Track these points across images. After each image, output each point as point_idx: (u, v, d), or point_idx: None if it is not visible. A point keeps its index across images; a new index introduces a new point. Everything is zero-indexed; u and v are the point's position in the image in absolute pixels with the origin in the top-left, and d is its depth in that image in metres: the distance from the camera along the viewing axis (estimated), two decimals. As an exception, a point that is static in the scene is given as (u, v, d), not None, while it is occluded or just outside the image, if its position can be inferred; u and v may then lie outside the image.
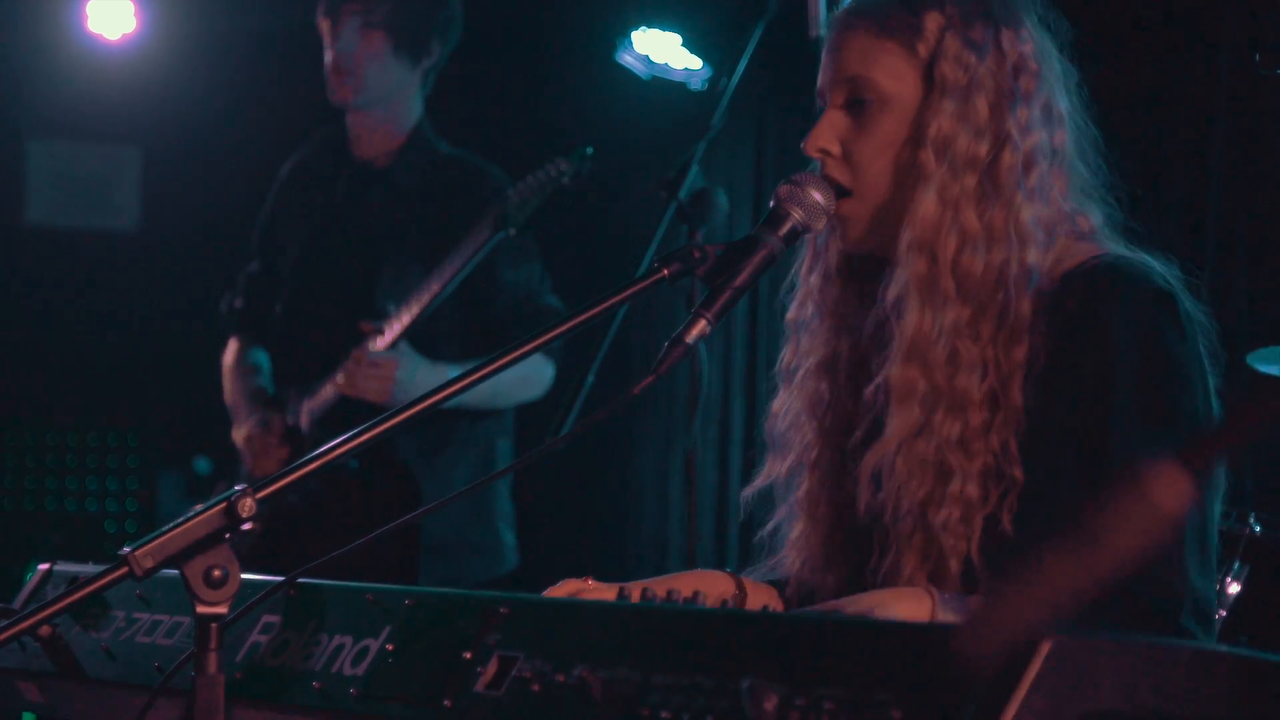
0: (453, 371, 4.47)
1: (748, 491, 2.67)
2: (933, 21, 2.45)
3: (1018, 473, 2.35)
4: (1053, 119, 2.46)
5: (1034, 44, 2.47)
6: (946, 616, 2.27)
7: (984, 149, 2.41)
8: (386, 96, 4.66)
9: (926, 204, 2.40)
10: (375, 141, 4.73)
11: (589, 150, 4.36)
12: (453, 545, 4.65)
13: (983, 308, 2.39)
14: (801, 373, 2.60)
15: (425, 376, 4.41)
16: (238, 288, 4.99)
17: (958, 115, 2.41)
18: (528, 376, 4.60)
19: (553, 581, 2.49)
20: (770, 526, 2.66)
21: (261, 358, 4.84)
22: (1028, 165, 2.42)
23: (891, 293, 2.43)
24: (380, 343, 4.40)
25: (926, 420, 2.38)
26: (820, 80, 2.53)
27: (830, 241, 2.57)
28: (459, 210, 4.54)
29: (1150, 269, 2.39)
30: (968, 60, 2.42)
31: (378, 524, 2.26)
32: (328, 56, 4.66)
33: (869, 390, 2.51)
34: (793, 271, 2.64)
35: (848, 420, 2.57)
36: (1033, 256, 2.39)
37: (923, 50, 2.44)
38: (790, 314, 2.64)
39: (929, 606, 2.28)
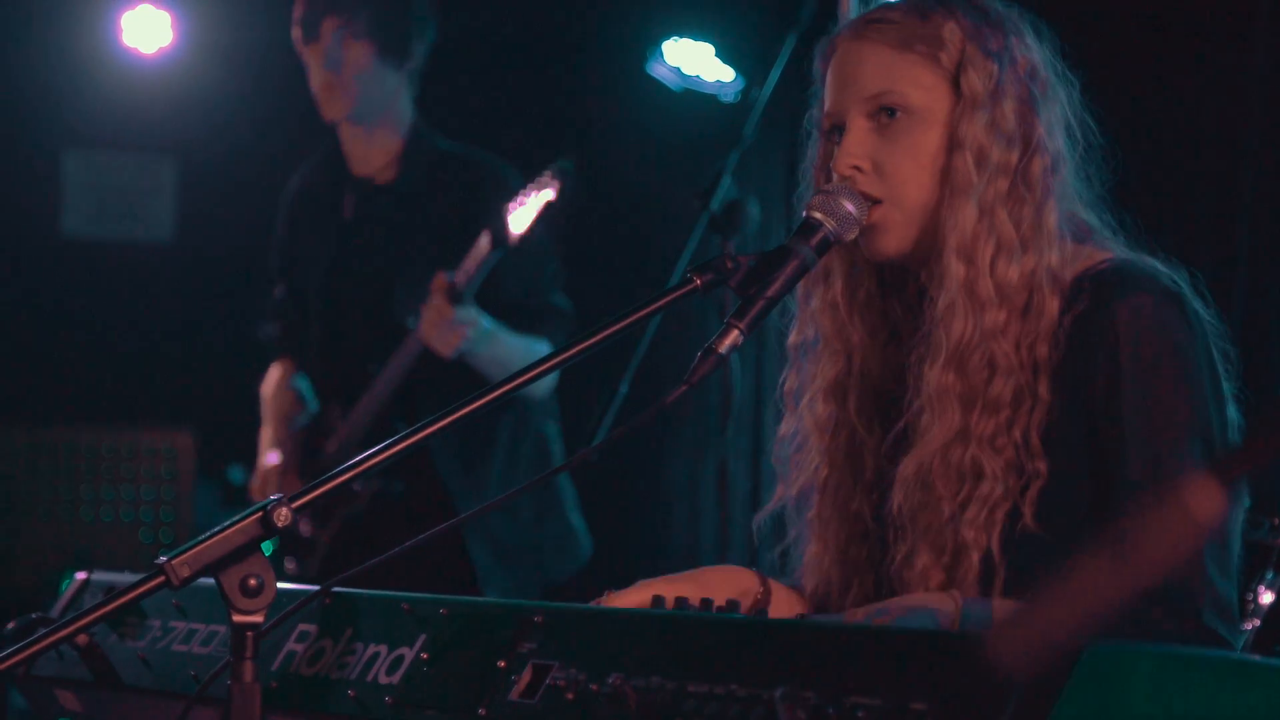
0: (514, 340, 4.51)
1: (759, 517, 2.67)
2: (951, 32, 2.46)
3: (1041, 465, 2.36)
4: (1065, 123, 2.50)
5: (1036, 51, 2.50)
6: (971, 618, 2.28)
7: (1015, 155, 2.43)
8: (379, 105, 4.67)
9: (966, 212, 2.41)
10: (373, 155, 4.74)
11: (568, 164, 4.36)
12: (527, 547, 4.65)
13: (1015, 310, 2.41)
14: (807, 397, 2.61)
15: (490, 345, 4.45)
16: (270, 314, 5.00)
17: (989, 124, 2.43)
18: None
19: (585, 591, 2.49)
20: (779, 550, 2.67)
21: (302, 383, 4.86)
22: (1055, 169, 2.45)
23: (942, 302, 2.44)
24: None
25: (964, 424, 2.40)
26: (832, 101, 2.52)
27: (835, 265, 2.57)
28: (466, 207, 4.55)
29: (1157, 271, 2.41)
30: (991, 68, 2.44)
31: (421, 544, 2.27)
32: (314, 77, 4.67)
33: (882, 403, 2.55)
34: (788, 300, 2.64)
35: (856, 440, 2.59)
36: (1057, 258, 2.43)
37: (946, 60, 2.45)
38: (791, 339, 2.65)
39: (953, 607, 2.29)
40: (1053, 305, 2.40)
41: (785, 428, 2.65)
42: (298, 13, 4.69)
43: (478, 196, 4.53)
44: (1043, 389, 2.39)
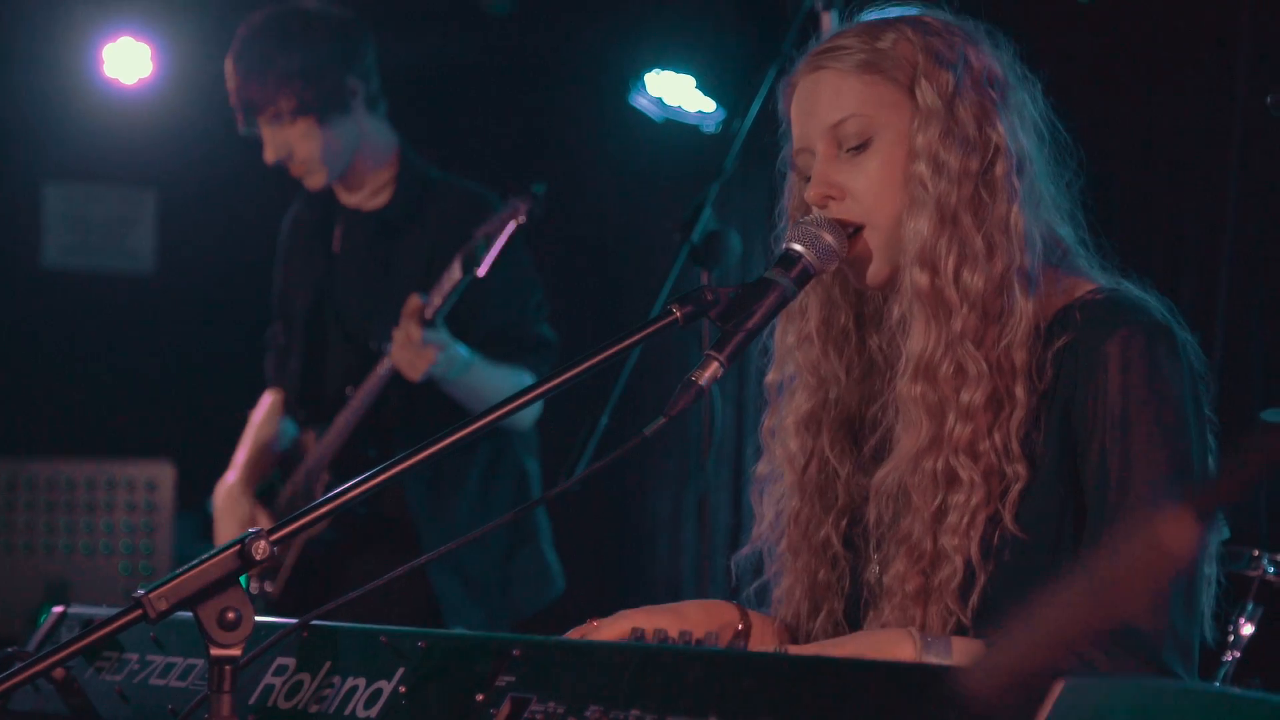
0: (492, 371, 4.48)
1: (738, 556, 2.67)
2: (901, 47, 2.47)
3: (1020, 468, 2.36)
4: (1029, 126, 2.50)
5: (994, 58, 2.51)
6: (930, 658, 2.26)
7: (975, 161, 2.43)
8: (346, 154, 4.62)
9: (925, 220, 2.41)
10: (364, 184, 4.71)
11: (539, 188, 4.35)
12: (496, 581, 4.63)
13: (986, 315, 2.41)
14: (780, 432, 2.62)
15: (452, 361, 4.39)
16: (267, 346, 5.00)
17: (945, 131, 2.42)
18: (505, 391, 4.48)
19: (565, 621, 2.49)
20: (757, 584, 2.66)
21: (288, 426, 4.85)
22: (1020, 171, 2.45)
23: (895, 311, 2.45)
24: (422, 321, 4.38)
25: (936, 432, 2.40)
26: (798, 135, 2.53)
27: (811, 302, 2.58)
28: (453, 236, 4.50)
29: (1147, 303, 2.41)
30: (944, 77, 2.44)
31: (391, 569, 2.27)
32: (273, 159, 4.63)
33: (857, 422, 2.55)
34: (765, 336, 2.65)
35: (828, 469, 2.59)
36: (1030, 261, 2.42)
37: (901, 77, 2.46)
38: (769, 377, 2.66)
39: (911, 649, 2.28)
40: (1027, 307, 2.40)
41: (763, 467, 2.66)
42: (234, 103, 4.64)
43: (465, 227, 4.48)
44: (1020, 392, 2.38)
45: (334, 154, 4.59)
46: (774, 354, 2.64)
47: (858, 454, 2.59)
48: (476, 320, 4.55)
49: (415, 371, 4.35)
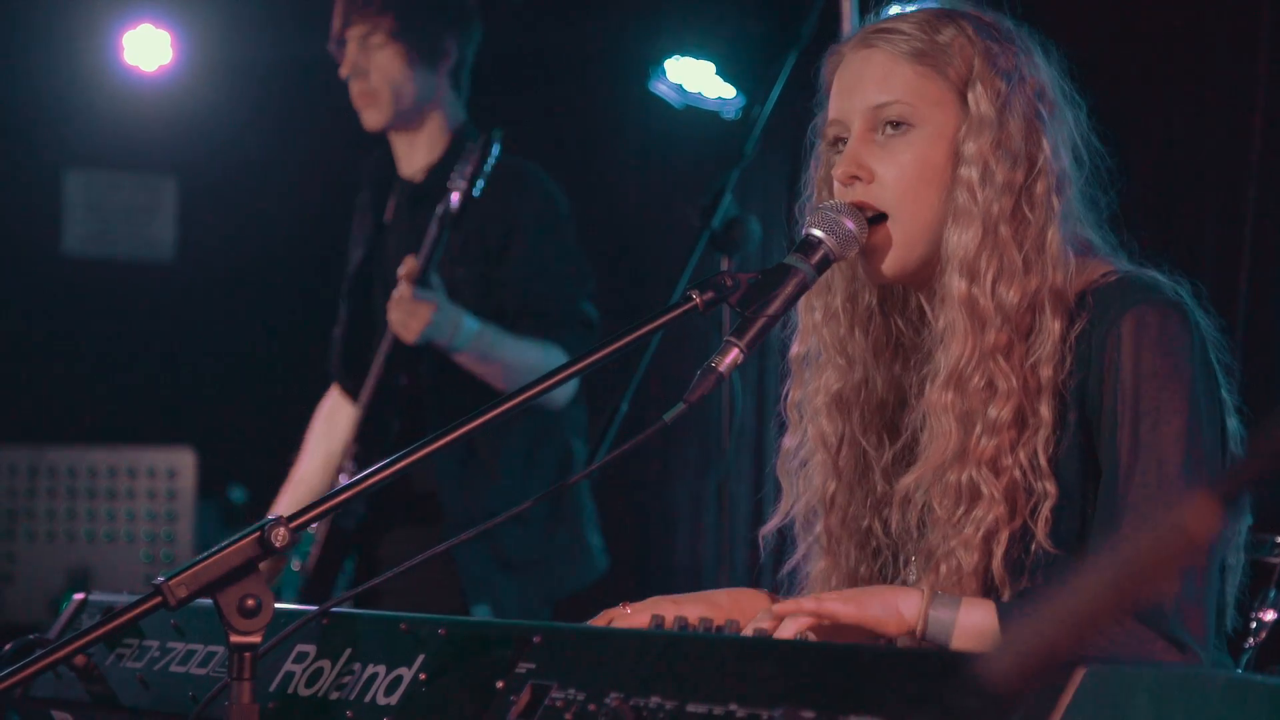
0: (511, 344, 4.39)
1: (765, 530, 2.66)
2: (960, 46, 2.45)
3: (1049, 485, 2.35)
4: (1071, 144, 2.49)
5: (1045, 71, 2.50)
6: (937, 614, 2.27)
7: (1020, 175, 2.42)
8: (416, 108, 4.60)
9: (970, 230, 2.41)
10: (417, 156, 4.68)
11: (498, 131, 4.31)
12: (537, 560, 4.60)
13: (1017, 331, 2.40)
14: (811, 410, 2.60)
15: (455, 326, 4.32)
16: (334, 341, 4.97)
17: (995, 142, 2.41)
18: (536, 370, 4.38)
19: (596, 605, 2.49)
20: (789, 566, 2.66)
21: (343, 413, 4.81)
22: (1059, 190, 2.44)
23: (942, 321, 2.44)
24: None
25: (963, 444, 2.39)
26: (837, 109, 2.51)
27: (836, 278, 2.56)
28: (495, 210, 4.47)
29: (1159, 282, 2.40)
30: (999, 86, 2.43)
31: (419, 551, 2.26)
32: (351, 88, 4.61)
33: (885, 419, 2.54)
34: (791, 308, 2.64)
35: (863, 455, 2.58)
36: (1061, 278, 2.41)
37: (954, 75, 2.44)
38: (793, 350, 2.64)
39: (918, 601, 2.28)
40: (1055, 326, 2.39)
41: (790, 440, 2.63)
42: (332, 23, 4.64)
43: (508, 201, 4.46)
44: (1045, 410, 2.37)
45: (403, 95, 4.56)
46: (798, 326, 2.63)
47: (890, 445, 2.57)
48: (506, 292, 4.51)
49: (408, 332, 4.29)
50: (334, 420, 4.82)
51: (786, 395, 2.65)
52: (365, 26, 4.53)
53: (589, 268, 4.66)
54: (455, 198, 4.26)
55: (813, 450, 2.60)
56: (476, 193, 4.26)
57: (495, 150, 4.27)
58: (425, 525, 4.50)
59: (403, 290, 4.27)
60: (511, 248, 4.52)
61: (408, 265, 4.28)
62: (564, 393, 4.48)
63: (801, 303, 2.58)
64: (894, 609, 2.27)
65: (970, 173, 2.41)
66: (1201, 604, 2.28)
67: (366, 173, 4.87)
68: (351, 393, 4.74)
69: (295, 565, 4.60)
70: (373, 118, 4.59)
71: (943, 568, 2.39)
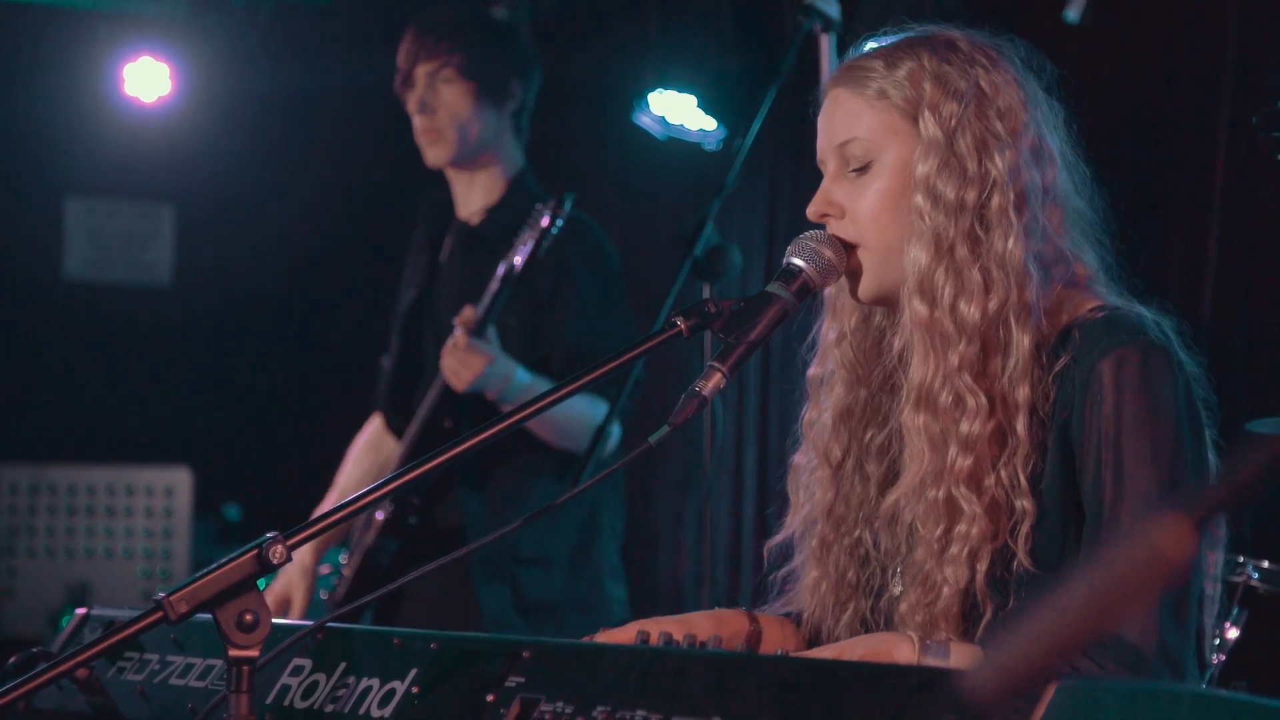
0: (533, 383, 4.29)
1: (771, 544, 2.69)
2: (913, 74, 2.48)
3: (1028, 504, 2.36)
4: (1043, 158, 2.48)
5: (1018, 85, 2.49)
6: (928, 661, 2.29)
7: (973, 194, 2.42)
8: (479, 148, 4.55)
9: (922, 252, 2.43)
10: (474, 197, 4.62)
11: (569, 195, 4.25)
12: (554, 606, 4.48)
13: (986, 346, 2.41)
14: (819, 426, 2.62)
15: (506, 380, 4.26)
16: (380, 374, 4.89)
17: (943, 163, 2.43)
18: (580, 420, 4.37)
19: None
20: (785, 571, 2.68)
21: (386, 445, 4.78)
22: (1019, 206, 2.43)
23: (897, 342, 2.48)
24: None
25: (939, 463, 2.41)
26: (818, 147, 2.57)
27: (843, 299, 2.59)
28: (554, 261, 4.39)
29: (1144, 321, 2.40)
30: (950, 108, 2.45)
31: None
32: (415, 123, 4.54)
33: (880, 438, 2.56)
34: (813, 331, 2.68)
35: (862, 469, 2.60)
36: (1031, 294, 2.41)
37: (909, 105, 2.47)
38: (811, 371, 2.66)
39: (910, 652, 2.31)
40: (1025, 341, 2.40)
41: (800, 457, 2.66)
42: (399, 62, 4.59)
43: (562, 251, 4.37)
44: (1021, 428, 2.38)
45: (468, 132, 4.50)
46: (818, 348, 2.65)
47: (884, 462, 2.59)
48: (554, 342, 4.45)
49: (459, 380, 4.24)
50: (379, 447, 4.77)
51: (804, 415, 2.67)
52: (435, 63, 4.49)
53: (635, 323, 4.59)
54: (519, 260, 4.23)
55: (816, 465, 2.63)
56: (542, 253, 4.25)
57: (565, 217, 4.25)
58: (453, 563, 4.45)
59: (459, 339, 4.23)
60: (561, 296, 4.47)
61: (465, 314, 4.24)
62: (608, 443, 4.29)
63: (824, 324, 2.64)
64: (888, 659, 2.28)
65: (919, 196, 2.44)
66: (1181, 648, 2.30)
67: (423, 212, 4.81)
68: (395, 429, 4.70)
69: (323, 595, 4.58)
70: (436, 154, 4.53)
71: (927, 584, 2.40)
